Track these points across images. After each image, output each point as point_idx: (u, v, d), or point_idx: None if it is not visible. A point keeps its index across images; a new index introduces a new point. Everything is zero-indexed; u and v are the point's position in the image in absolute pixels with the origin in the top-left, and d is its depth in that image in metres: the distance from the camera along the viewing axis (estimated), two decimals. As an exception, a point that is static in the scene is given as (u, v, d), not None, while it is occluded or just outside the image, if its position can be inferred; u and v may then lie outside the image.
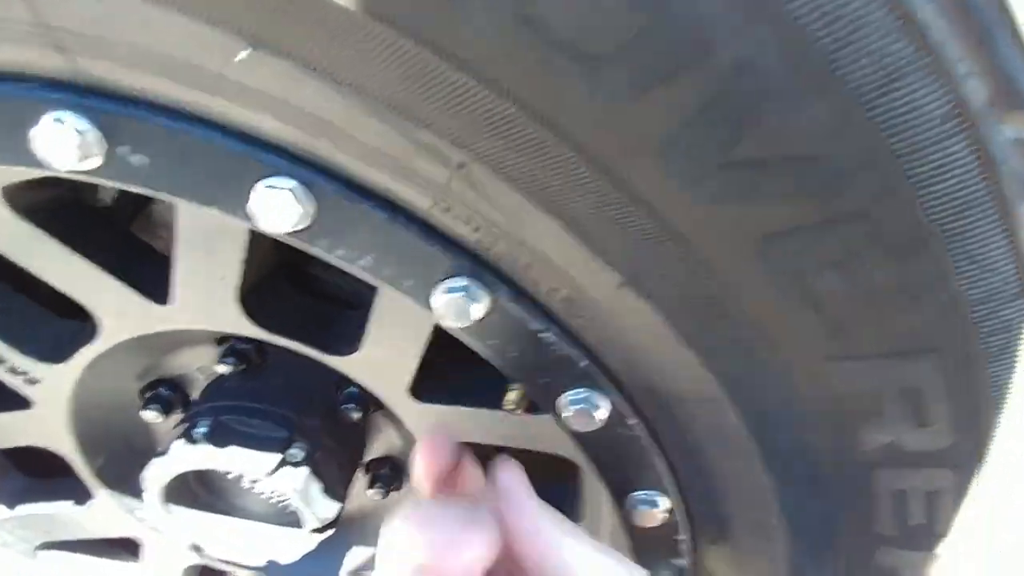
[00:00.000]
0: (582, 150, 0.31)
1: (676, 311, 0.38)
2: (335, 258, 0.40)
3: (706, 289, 0.35)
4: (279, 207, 0.37)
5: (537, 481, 0.78)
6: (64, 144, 0.36)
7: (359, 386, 0.71)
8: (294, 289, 0.68)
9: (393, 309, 0.56)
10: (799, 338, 0.37)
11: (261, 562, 0.76)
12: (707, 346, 0.39)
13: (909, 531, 0.45)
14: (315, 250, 0.40)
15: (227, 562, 0.79)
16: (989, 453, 0.40)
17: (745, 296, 0.35)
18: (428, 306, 0.42)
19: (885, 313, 0.35)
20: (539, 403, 0.47)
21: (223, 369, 0.73)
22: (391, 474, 0.82)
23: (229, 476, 0.73)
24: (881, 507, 0.43)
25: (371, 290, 0.60)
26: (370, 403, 0.74)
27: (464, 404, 0.63)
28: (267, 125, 0.35)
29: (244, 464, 0.67)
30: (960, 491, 0.42)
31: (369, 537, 0.87)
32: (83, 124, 0.36)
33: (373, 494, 0.82)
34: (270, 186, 0.37)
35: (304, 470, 0.68)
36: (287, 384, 0.74)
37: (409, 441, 0.78)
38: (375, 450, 0.82)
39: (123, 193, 0.54)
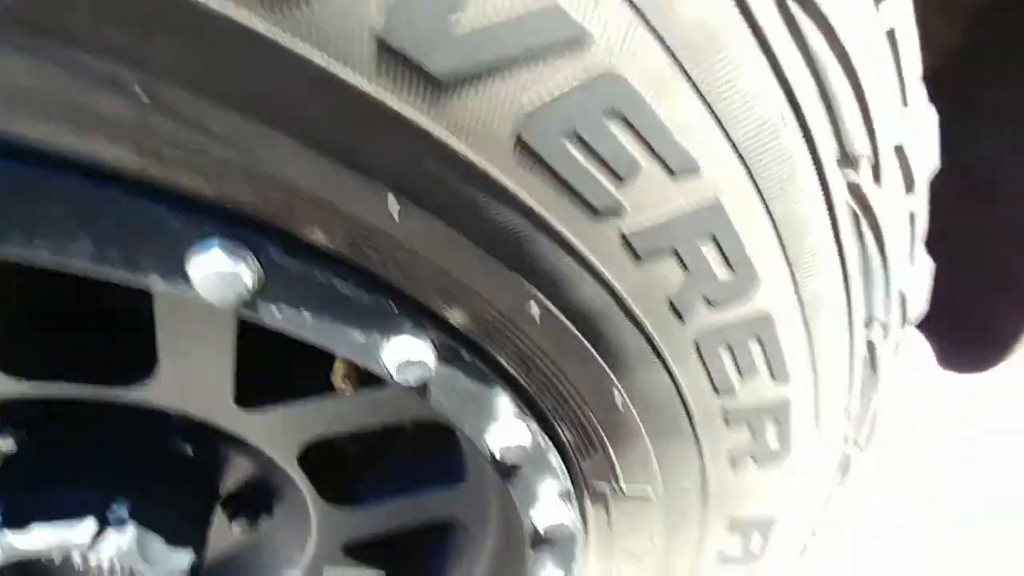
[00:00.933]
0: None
1: (467, 220, 0.35)
2: (29, 254, 0.32)
3: (480, 191, 0.33)
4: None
5: (415, 458, 0.74)
6: None
7: (178, 415, 0.62)
8: (48, 326, 0.56)
9: (178, 311, 0.48)
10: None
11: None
12: (511, 254, 0.36)
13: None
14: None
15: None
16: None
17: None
18: (189, 285, 0.35)
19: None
20: (364, 367, 0.43)
21: (4, 444, 0.61)
22: (255, 501, 0.74)
23: (52, 560, 0.61)
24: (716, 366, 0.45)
25: (146, 298, 0.51)
26: (202, 430, 0.65)
27: (297, 400, 0.56)
28: None
29: (55, 541, 0.56)
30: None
31: (254, 572, 0.78)
32: None
33: (240, 529, 0.73)
34: None
35: (131, 529, 0.58)
36: (90, 436, 0.62)
37: (260, 459, 0.70)
38: (230, 480, 0.73)
39: None
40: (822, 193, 0.38)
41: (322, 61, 0.26)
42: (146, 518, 0.59)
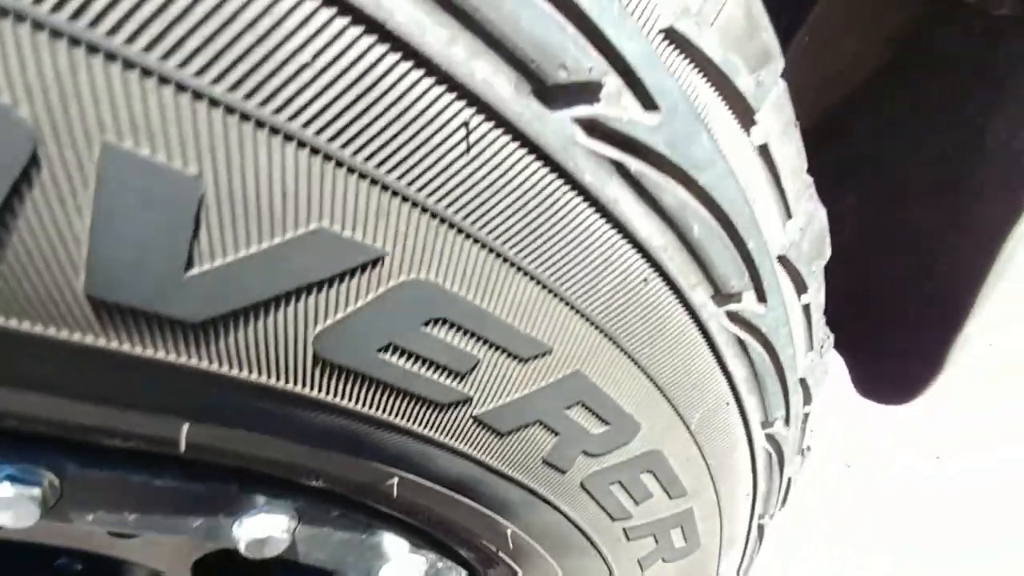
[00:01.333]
0: None
1: (286, 428, 0.30)
2: None
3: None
4: None
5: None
6: None
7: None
8: None
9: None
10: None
11: None
12: (353, 447, 0.32)
13: None
14: None
15: None
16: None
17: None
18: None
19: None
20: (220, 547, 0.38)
21: None
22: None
23: None
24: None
25: None
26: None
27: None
28: None
29: None
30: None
31: None
32: None
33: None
34: None
35: None
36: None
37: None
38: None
39: None
40: (698, 331, 0.35)
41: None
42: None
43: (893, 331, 0.81)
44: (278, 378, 0.25)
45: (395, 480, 0.35)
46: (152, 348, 0.22)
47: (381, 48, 0.20)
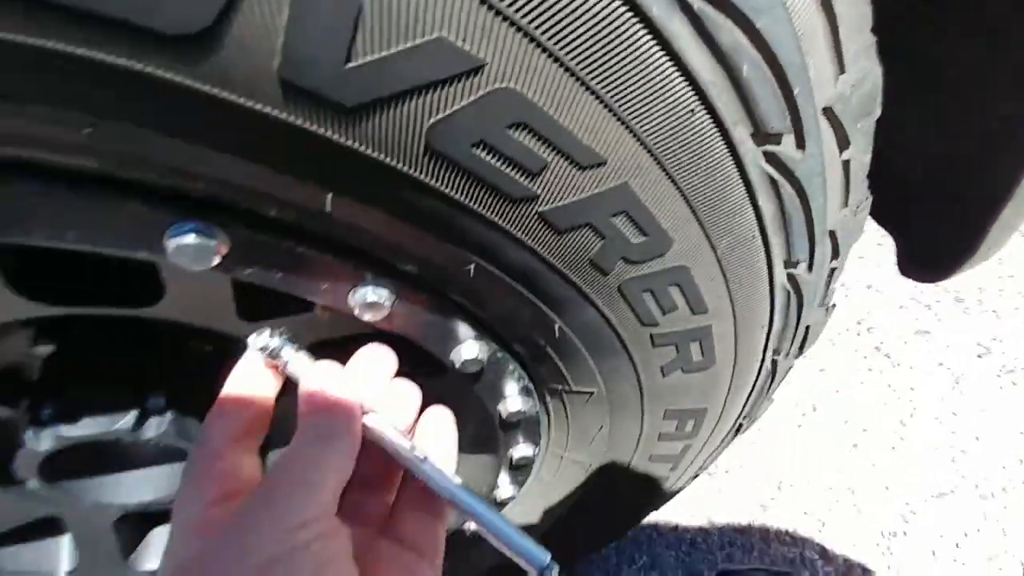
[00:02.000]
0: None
1: (395, 207, 0.39)
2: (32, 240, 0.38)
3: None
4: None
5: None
6: None
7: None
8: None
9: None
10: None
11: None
12: (442, 230, 0.41)
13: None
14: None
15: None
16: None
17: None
18: (165, 256, 0.41)
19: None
20: (338, 310, 0.50)
21: (43, 349, 0.71)
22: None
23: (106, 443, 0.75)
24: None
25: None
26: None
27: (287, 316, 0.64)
28: None
29: (101, 428, 0.68)
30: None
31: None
32: None
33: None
34: None
35: (169, 415, 0.70)
36: (121, 347, 0.72)
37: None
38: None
39: None
40: (734, 166, 0.41)
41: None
42: (181, 405, 0.71)
43: (941, 211, 0.82)
44: (399, 160, 0.34)
45: (472, 266, 0.45)
46: (317, 125, 0.31)
47: None
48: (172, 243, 0.40)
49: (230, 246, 0.43)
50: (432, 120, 0.32)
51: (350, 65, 0.28)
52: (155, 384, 0.71)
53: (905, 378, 1.59)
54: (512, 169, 0.36)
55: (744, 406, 0.75)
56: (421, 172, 0.35)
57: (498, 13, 0.29)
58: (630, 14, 0.32)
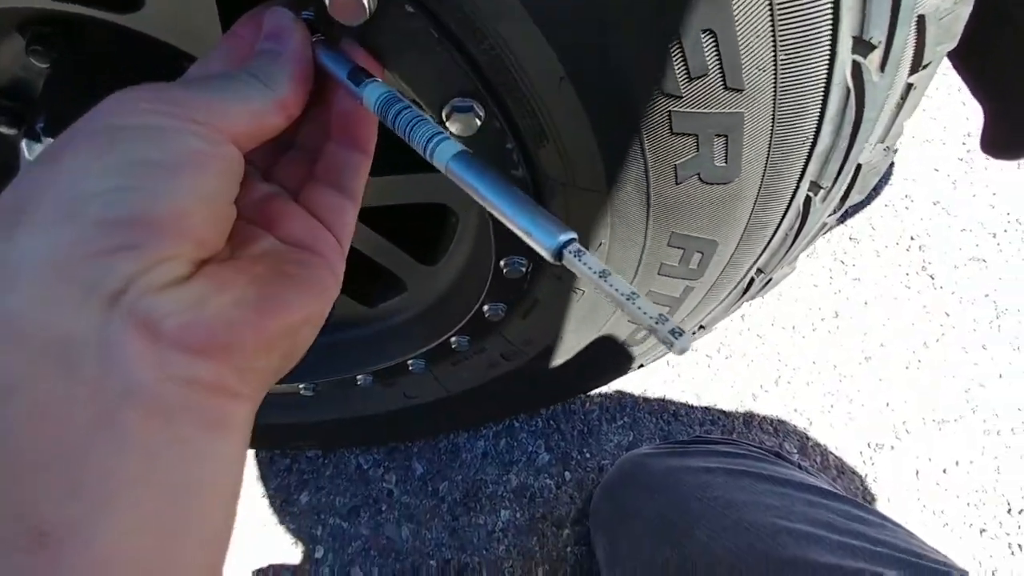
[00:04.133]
0: None
1: None
2: None
3: None
4: None
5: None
6: None
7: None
8: None
9: None
10: None
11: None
12: None
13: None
14: None
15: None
16: None
17: None
18: None
19: None
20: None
21: (37, 61, 0.68)
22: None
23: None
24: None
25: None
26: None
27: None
28: None
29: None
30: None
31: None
32: None
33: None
34: None
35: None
36: (109, 63, 0.68)
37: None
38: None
39: None
40: (823, 89, 0.38)
41: None
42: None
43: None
44: None
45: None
46: None
47: None
48: None
49: None
50: None
51: None
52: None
53: (944, 302, 1.48)
54: (682, 67, 0.38)
55: (761, 253, 0.68)
56: None
57: None
58: None
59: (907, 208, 1.61)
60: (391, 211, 0.78)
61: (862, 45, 0.43)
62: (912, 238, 1.57)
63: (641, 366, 1.05)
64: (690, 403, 1.37)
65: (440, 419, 1.24)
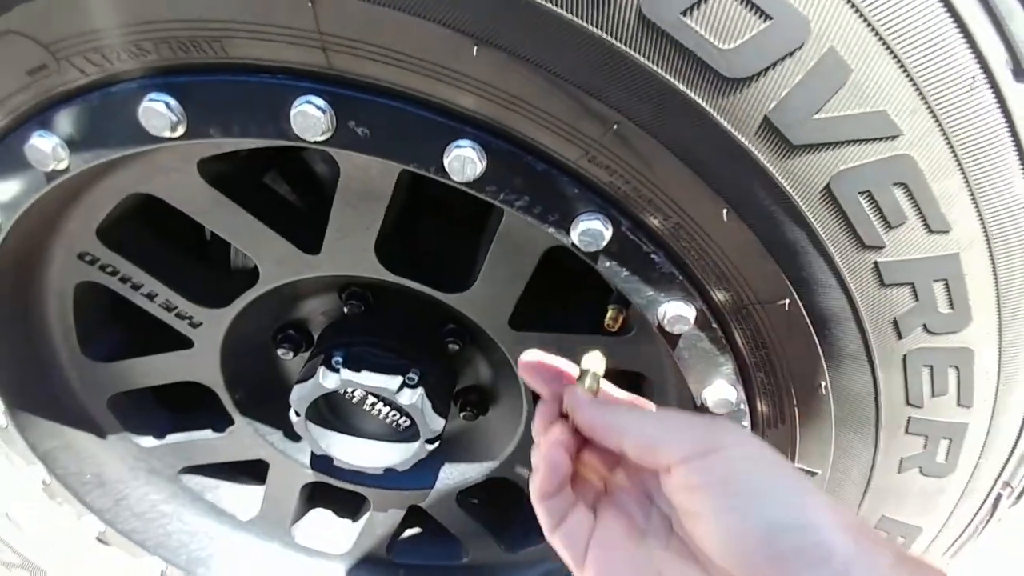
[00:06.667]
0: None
1: (767, 234, 0.50)
2: (499, 201, 0.53)
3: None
4: (464, 162, 0.50)
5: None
6: (311, 121, 0.49)
7: (459, 322, 0.84)
8: (410, 234, 0.80)
9: (506, 249, 0.68)
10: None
11: (380, 470, 0.90)
12: (785, 261, 0.51)
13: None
14: (484, 195, 0.53)
15: (351, 471, 0.92)
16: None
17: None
18: (568, 236, 0.54)
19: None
20: (642, 312, 0.60)
21: (348, 310, 0.86)
22: (478, 400, 0.96)
23: (353, 400, 0.87)
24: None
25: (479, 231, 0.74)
26: (467, 336, 0.87)
27: (556, 331, 0.75)
28: (466, 101, 0.47)
29: (375, 384, 0.81)
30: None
31: (456, 455, 1.01)
32: (323, 104, 0.48)
33: (464, 416, 0.96)
34: (458, 146, 0.50)
35: (420, 390, 0.82)
36: (400, 320, 0.86)
37: (500, 370, 0.91)
38: (471, 378, 0.95)
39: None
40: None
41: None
42: (426, 386, 0.83)
43: None
44: (799, 196, 0.47)
45: (786, 301, 0.55)
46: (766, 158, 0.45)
47: None
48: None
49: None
50: (841, 168, 0.45)
51: (816, 116, 0.42)
52: (415, 361, 0.83)
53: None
54: (878, 218, 0.47)
55: (953, 543, 0.74)
56: (811, 210, 0.47)
57: (926, 103, 0.42)
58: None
59: None
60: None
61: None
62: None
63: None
64: None
65: None
